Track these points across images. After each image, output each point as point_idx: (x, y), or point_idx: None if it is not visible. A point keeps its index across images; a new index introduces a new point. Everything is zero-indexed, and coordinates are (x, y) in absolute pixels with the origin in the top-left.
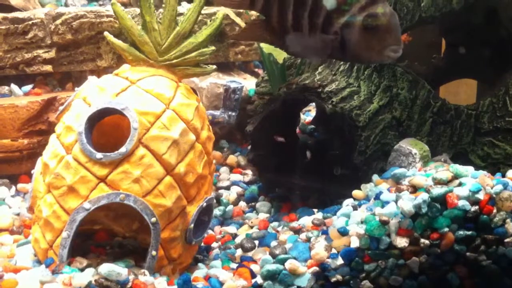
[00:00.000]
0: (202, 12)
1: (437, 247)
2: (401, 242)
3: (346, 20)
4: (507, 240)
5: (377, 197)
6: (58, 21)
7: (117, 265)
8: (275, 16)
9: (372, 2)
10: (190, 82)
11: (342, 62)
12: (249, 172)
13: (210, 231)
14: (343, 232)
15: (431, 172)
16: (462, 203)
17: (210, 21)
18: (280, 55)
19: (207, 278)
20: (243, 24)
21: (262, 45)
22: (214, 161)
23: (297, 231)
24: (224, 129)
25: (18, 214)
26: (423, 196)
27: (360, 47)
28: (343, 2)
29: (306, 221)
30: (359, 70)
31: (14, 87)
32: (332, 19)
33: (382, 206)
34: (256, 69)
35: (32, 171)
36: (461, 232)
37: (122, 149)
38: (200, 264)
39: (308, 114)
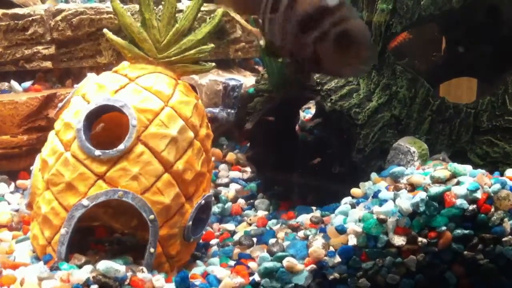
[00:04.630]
0: (202, 9)
1: (434, 245)
2: (399, 240)
3: (319, 34)
4: (504, 239)
5: (375, 195)
6: (58, 18)
7: (115, 262)
8: (263, 21)
9: (346, 17)
10: (189, 79)
11: None
12: (248, 169)
13: (208, 228)
14: (341, 230)
15: (429, 170)
16: (460, 202)
17: (210, 18)
18: None
19: (205, 275)
20: (242, 22)
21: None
22: (213, 158)
23: (295, 229)
24: (223, 126)
25: (17, 210)
26: (421, 194)
27: (332, 61)
28: (315, 14)
29: (304, 219)
30: None
31: (14, 83)
32: (303, 31)
33: (380, 205)
34: (256, 66)
35: (31, 168)
36: (458, 231)
37: (121, 146)
38: (198, 261)
39: (308, 112)
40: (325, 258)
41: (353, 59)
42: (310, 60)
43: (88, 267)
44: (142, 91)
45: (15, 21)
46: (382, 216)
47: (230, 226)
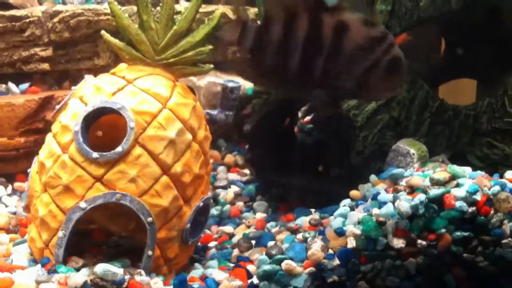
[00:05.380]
0: (200, 10)
1: (434, 248)
2: (398, 243)
3: (370, 64)
4: (504, 241)
5: (374, 197)
6: (56, 19)
7: (113, 265)
8: (270, 58)
9: (391, 45)
10: (188, 81)
11: None
12: (246, 171)
13: (207, 231)
14: (340, 233)
15: (428, 172)
16: (459, 204)
17: (208, 19)
18: None
19: (203, 278)
20: None
21: None
22: (211, 160)
23: (294, 231)
24: (221, 128)
25: (14, 213)
26: (420, 197)
27: (381, 88)
28: (366, 46)
29: (303, 221)
30: None
31: (11, 85)
32: (354, 63)
33: (379, 207)
34: None
35: (28, 170)
36: (458, 233)
37: (118, 149)
38: (196, 264)
39: None
40: (324, 260)
41: (396, 83)
42: (356, 89)
43: (86, 270)
44: (140, 93)
45: (12, 23)
46: (381, 219)
47: (228, 228)
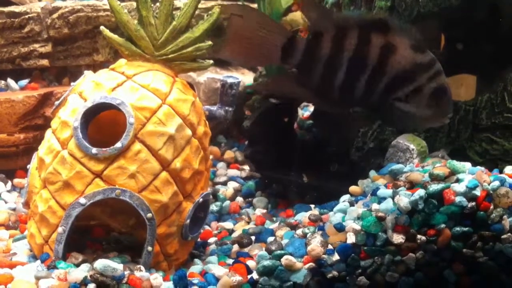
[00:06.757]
0: (199, 6)
1: (433, 243)
2: (398, 238)
3: (415, 89)
4: (504, 236)
5: (374, 193)
6: (55, 15)
7: (112, 261)
8: (317, 74)
9: (438, 73)
10: (187, 77)
11: None
12: (246, 167)
13: (206, 227)
14: (340, 228)
15: (428, 168)
16: (459, 199)
17: (207, 15)
18: None
19: (203, 273)
20: None
21: None
22: (211, 157)
23: (294, 227)
24: (221, 124)
25: (14, 209)
26: (420, 192)
27: (426, 116)
28: (411, 70)
29: (302, 217)
30: None
31: (10, 81)
32: (397, 86)
33: (379, 202)
34: None
35: (28, 166)
36: (458, 229)
37: (118, 144)
38: (196, 260)
39: (306, 109)
40: (324, 256)
41: (443, 112)
42: (393, 113)
43: (86, 266)
44: (139, 88)
45: (12, 19)
46: (381, 214)
47: (228, 224)
